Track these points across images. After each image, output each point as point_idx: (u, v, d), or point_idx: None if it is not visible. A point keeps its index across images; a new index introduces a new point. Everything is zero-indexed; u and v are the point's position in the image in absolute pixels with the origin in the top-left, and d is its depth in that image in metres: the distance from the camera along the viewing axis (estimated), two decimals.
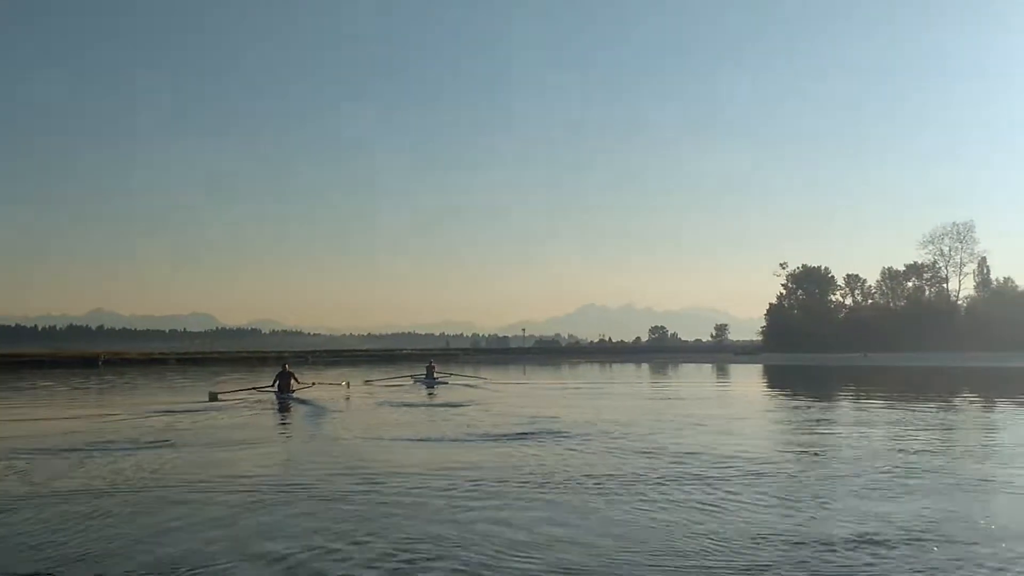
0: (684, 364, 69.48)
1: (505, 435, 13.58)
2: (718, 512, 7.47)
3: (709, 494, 8.28)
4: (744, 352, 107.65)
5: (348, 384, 27.99)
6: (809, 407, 20.58)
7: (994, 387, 30.02)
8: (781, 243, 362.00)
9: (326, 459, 11.10)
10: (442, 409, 19.91)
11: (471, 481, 9.11)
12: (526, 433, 13.78)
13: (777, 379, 40.72)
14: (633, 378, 42.48)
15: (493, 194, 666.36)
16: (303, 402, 21.92)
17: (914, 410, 19.11)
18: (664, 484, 8.86)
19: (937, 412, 18.65)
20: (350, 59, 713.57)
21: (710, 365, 65.22)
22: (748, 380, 39.87)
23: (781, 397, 25.38)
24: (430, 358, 45.40)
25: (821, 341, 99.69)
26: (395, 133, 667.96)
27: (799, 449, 12.01)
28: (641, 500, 8.04)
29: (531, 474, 9.62)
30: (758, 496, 8.18)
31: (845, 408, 20.47)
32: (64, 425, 16.30)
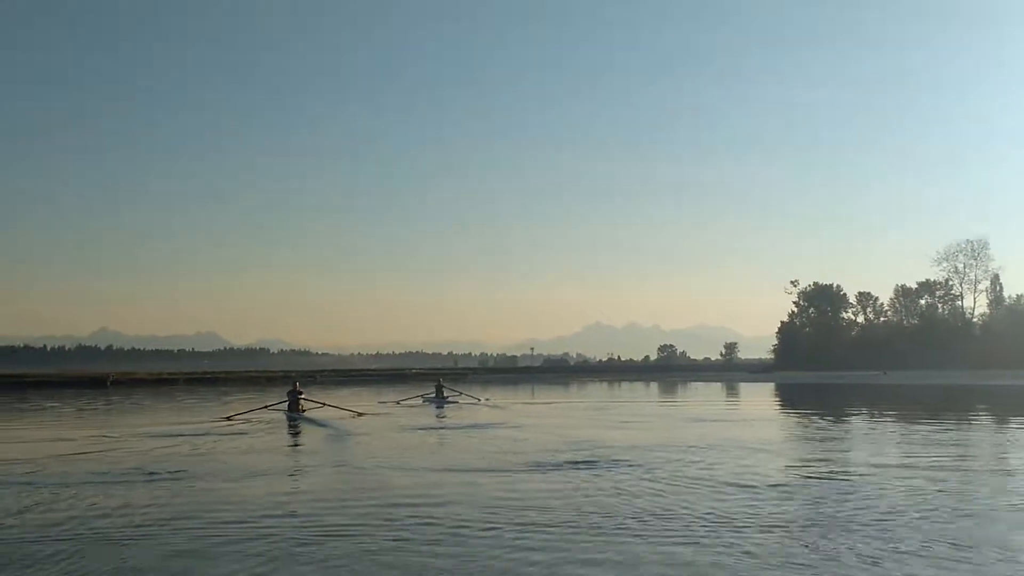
0: (695, 383, 68.17)
1: (551, 463, 12.08)
2: None
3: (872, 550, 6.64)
4: (756, 370, 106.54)
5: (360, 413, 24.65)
6: (873, 427, 19.25)
7: None
8: (790, 259, 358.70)
9: (355, 493, 9.72)
10: (467, 431, 18.68)
11: (538, 516, 7.81)
12: (578, 461, 12.18)
13: (801, 398, 39.07)
14: (649, 397, 41.19)
15: (495, 203, 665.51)
16: (317, 423, 20.80)
17: (989, 431, 18.05)
18: (799, 529, 7.43)
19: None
20: (350, 59, 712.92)
21: (722, 384, 63.94)
22: (771, 399, 38.50)
23: (819, 418, 23.44)
24: (439, 377, 44.76)
25: (834, 359, 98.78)
26: (395, 134, 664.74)
27: (910, 477, 10.39)
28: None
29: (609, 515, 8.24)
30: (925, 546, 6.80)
31: (905, 427, 18.92)
32: (58, 448, 15.15)
